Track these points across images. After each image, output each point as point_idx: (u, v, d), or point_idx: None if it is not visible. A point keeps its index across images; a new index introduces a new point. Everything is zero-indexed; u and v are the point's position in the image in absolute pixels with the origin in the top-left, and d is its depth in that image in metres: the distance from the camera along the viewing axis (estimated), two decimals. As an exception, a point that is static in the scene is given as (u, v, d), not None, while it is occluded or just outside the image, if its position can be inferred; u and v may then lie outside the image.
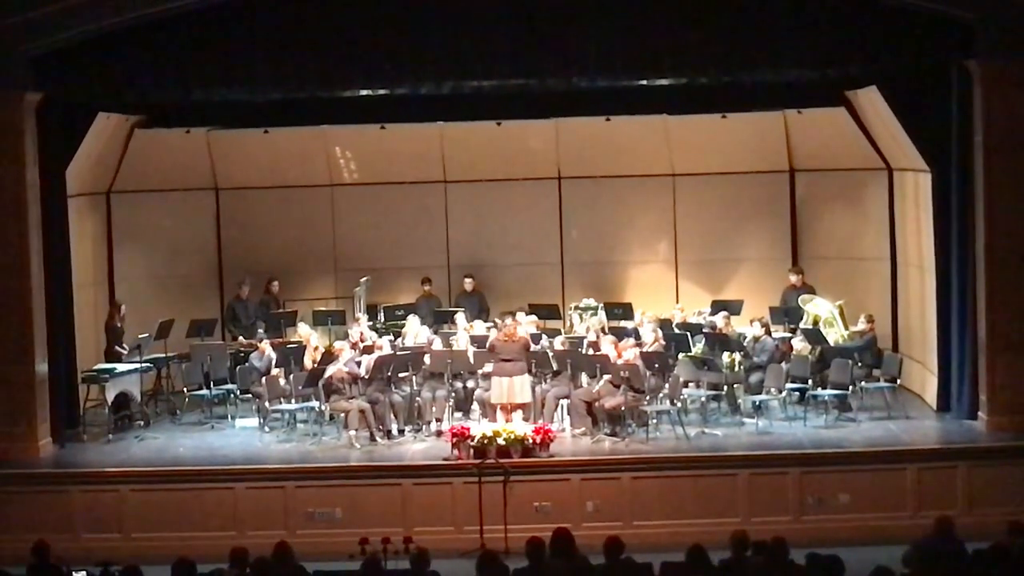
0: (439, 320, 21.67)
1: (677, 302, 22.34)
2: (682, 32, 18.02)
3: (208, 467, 17.35)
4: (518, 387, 18.21)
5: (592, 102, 21.25)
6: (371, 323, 21.09)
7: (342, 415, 18.26)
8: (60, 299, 18.79)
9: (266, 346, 19.83)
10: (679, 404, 18.52)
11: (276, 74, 18.31)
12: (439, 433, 18.29)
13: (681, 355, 19.39)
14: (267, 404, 18.92)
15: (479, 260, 23.30)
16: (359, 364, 18.72)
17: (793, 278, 21.81)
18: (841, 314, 20.56)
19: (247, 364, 19.92)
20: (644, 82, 19.07)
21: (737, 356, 19.55)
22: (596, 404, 18.18)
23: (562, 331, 21.11)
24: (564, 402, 18.61)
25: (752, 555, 11.54)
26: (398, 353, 19.10)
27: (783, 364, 19.23)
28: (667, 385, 18.47)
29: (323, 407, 18.62)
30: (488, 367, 18.64)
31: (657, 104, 21.35)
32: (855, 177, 22.09)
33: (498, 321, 20.43)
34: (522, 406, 18.17)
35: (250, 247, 23.20)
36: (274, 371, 19.29)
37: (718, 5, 18.06)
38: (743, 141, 22.53)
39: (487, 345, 18.77)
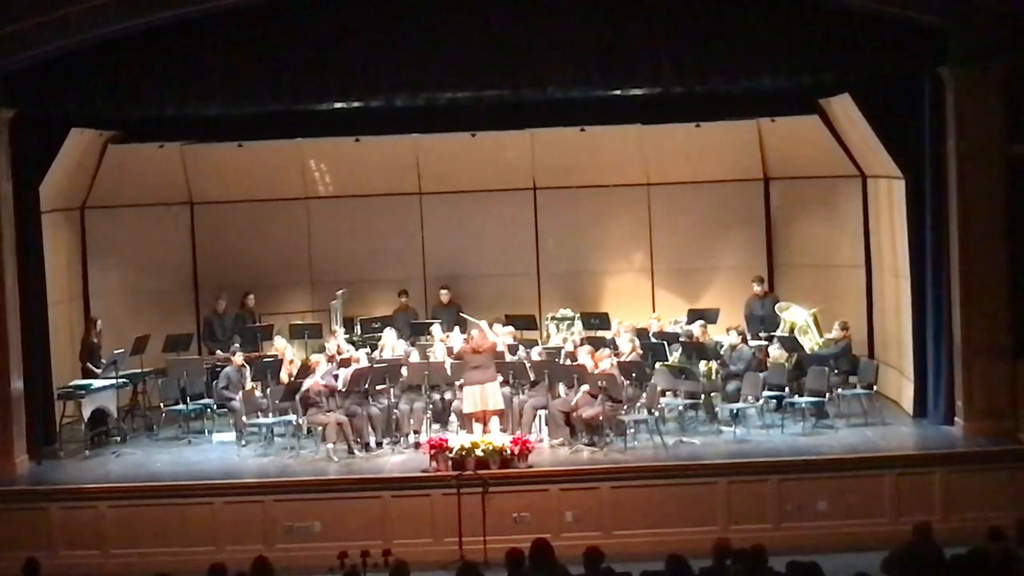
0: (416, 332, 21.65)
1: (654, 311, 22.37)
2: (655, 42, 18.05)
3: (186, 482, 17.30)
4: (490, 394, 18.16)
5: (566, 112, 21.32)
6: (348, 336, 21.07)
7: (319, 428, 18.23)
8: (35, 315, 18.74)
9: (240, 360, 19.76)
10: (657, 413, 18.53)
11: (250, 88, 18.29)
12: (417, 445, 18.24)
13: (658, 364, 19.42)
14: (244, 418, 18.88)
15: (455, 271, 23.28)
16: (336, 377, 18.70)
17: (756, 287, 21.87)
18: (815, 321, 20.62)
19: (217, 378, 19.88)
20: (618, 92, 19.17)
21: (714, 365, 19.60)
22: (574, 414, 18.18)
23: (539, 342, 21.12)
24: (542, 412, 18.61)
25: (731, 564, 11.55)
26: (375, 366, 19.09)
27: (760, 372, 19.28)
28: (644, 394, 18.48)
29: (300, 421, 18.59)
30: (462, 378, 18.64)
31: (631, 114, 21.43)
32: (829, 185, 22.15)
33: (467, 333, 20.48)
34: (497, 413, 18.15)
35: (226, 261, 23.14)
36: (250, 385, 19.25)
37: (691, 15, 18.07)
38: (717, 150, 22.59)
39: (454, 353, 18.71)
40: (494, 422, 18.05)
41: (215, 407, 19.94)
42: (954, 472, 16.81)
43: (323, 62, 18.17)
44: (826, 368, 18.96)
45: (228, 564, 12.01)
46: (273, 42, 18.17)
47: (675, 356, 19.80)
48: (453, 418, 19.01)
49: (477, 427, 17.94)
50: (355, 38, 18.14)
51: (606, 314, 21.96)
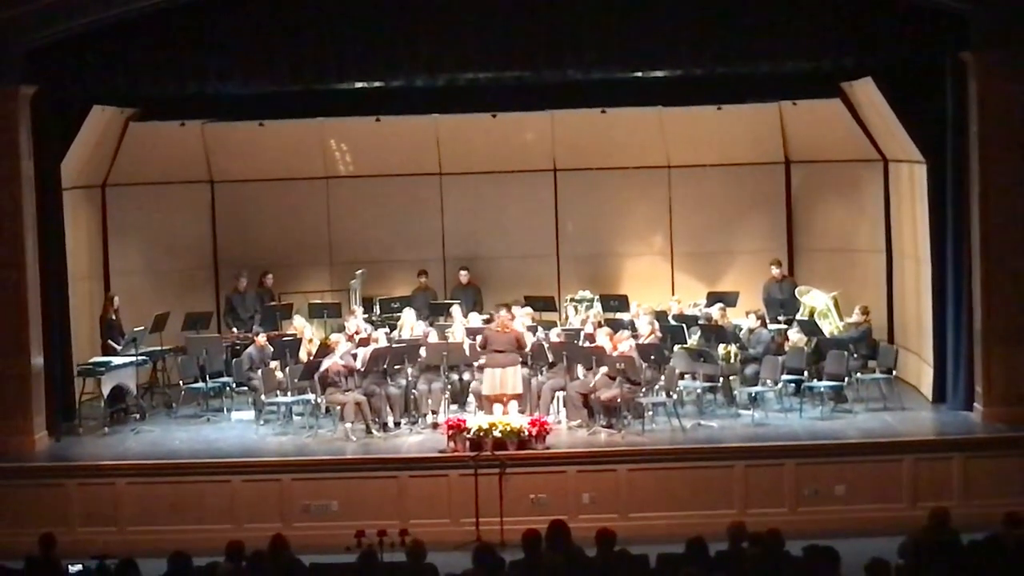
0: (435, 312, 21.67)
1: (673, 294, 22.35)
2: (677, 24, 18.02)
3: (204, 460, 17.35)
4: (510, 378, 18.20)
5: (587, 94, 21.26)
6: (367, 316, 21.11)
7: (338, 408, 18.26)
8: (55, 292, 18.77)
9: (262, 340, 19.78)
10: (675, 396, 18.51)
11: (271, 67, 18.31)
12: (435, 425, 18.29)
13: (677, 347, 19.40)
14: (263, 397, 18.92)
15: (475, 252, 23.29)
16: (355, 357, 18.70)
17: (775, 271, 21.84)
18: (836, 305, 20.59)
19: (240, 357, 19.91)
20: (639, 74, 19.12)
21: (733, 348, 19.59)
22: (592, 396, 18.18)
23: (558, 323, 21.12)
24: (560, 394, 18.61)
25: (748, 547, 11.55)
26: (394, 346, 19.09)
27: (779, 356, 19.25)
28: (663, 377, 18.49)
29: (319, 400, 18.62)
30: (483, 359, 18.63)
31: (652, 96, 21.35)
32: (850, 169, 22.09)
33: (493, 313, 20.47)
34: (515, 397, 18.17)
35: (245, 240, 23.19)
36: (272, 365, 19.27)
37: (713, -3, 18.10)
38: (738, 133, 22.55)
39: (480, 338, 18.72)
40: (512, 404, 18.05)
41: (234, 385, 19.99)
42: (972, 458, 16.77)
43: (344, 41, 18.17)
44: (845, 352, 18.90)
45: (245, 542, 12.11)
46: (294, 21, 18.18)
47: (694, 339, 19.78)
48: (471, 399, 19.04)
49: (496, 408, 17.95)
50: (376, 18, 18.13)
51: (625, 296, 21.97)
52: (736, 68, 18.75)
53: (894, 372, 19.29)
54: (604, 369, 18.22)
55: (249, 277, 22.32)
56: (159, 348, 20.70)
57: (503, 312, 18.93)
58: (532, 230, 23.42)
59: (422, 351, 19.07)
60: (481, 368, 18.68)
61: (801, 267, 22.38)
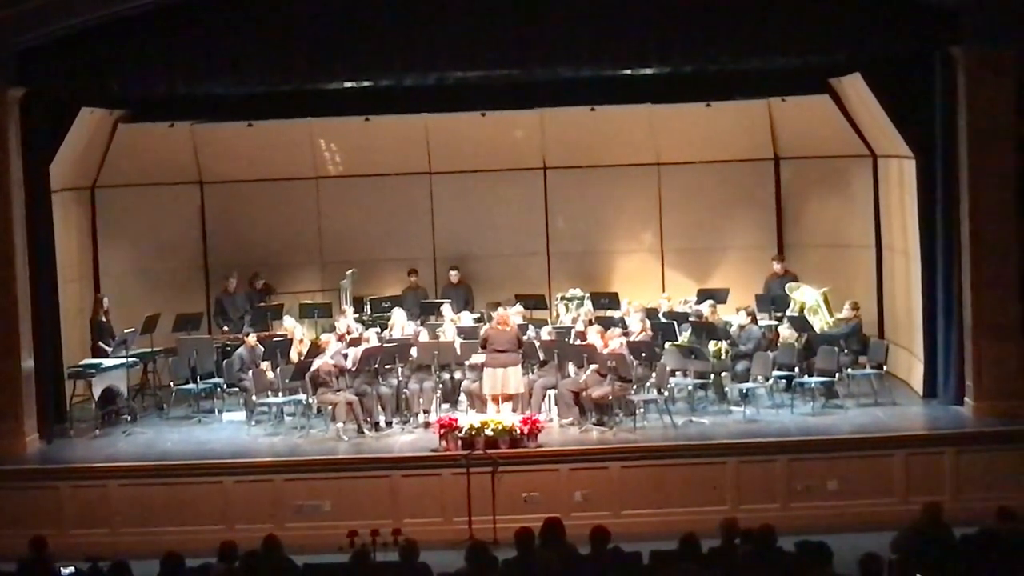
0: (425, 312, 21.66)
1: (663, 291, 22.35)
2: (666, 21, 18.00)
3: (196, 461, 17.33)
4: (512, 378, 18.19)
5: (576, 92, 21.28)
6: (357, 315, 21.09)
7: (329, 408, 18.25)
8: (45, 294, 18.74)
9: (252, 340, 19.76)
10: (666, 393, 18.54)
11: (260, 67, 18.29)
12: (427, 425, 18.28)
13: (668, 344, 19.41)
14: (254, 398, 18.90)
15: (465, 251, 23.27)
16: (346, 357, 18.69)
17: (776, 266, 21.85)
18: (826, 301, 20.59)
19: (231, 358, 19.89)
20: (629, 71, 19.13)
21: (724, 344, 19.57)
22: (583, 394, 18.17)
23: (549, 321, 21.12)
24: (551, 392, 18.61)
25: (741, 543, 11.56)
26: (385, 345, 19.08)
27: (769, 352, 19.26)
28: (654, 374, 18.50)
29: (310, 400, 18.60)
30: (476, 358, 18.62)
31: (642, 93, 21.39)
32: (840, 164, 22.11)
33: (484, 312, 20.45)
34: (513, 397, 18.16)
35: (235, 240, 23.16)
36: (263, 365, 19.26)
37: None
38: (728, 129, 22.55)
39: (480, 338, 18.70)
40: (507, 404, 18.03)
41: (225, 386, 19.97)
42: (964, 452, 16.80)
43: (333, 41, 18.14)
44: (836, 348, 18.93)
45: (238, 543, 12.11)
46: (283, 21, 18.15)
47: (685, 336, 19.78)
48: (463, 397, 19.03)
49: (490, 407, 17.94)
50: (365, 17, 18.10)
51: (616, 294, 21.97)
52: (725, 65, 18.74)
53: (885, 367, 19.30)
54: (595, 367, 18.19)
55: (239, 278, 22.30)
56: (150, 349, 20.67)
57: (501, 309, 18.90)
58: (522, 228, 23.40)
59: (413, 350, 19.06)
60: (475, 367, 18.67)
61: (791, 263, 22.33)
